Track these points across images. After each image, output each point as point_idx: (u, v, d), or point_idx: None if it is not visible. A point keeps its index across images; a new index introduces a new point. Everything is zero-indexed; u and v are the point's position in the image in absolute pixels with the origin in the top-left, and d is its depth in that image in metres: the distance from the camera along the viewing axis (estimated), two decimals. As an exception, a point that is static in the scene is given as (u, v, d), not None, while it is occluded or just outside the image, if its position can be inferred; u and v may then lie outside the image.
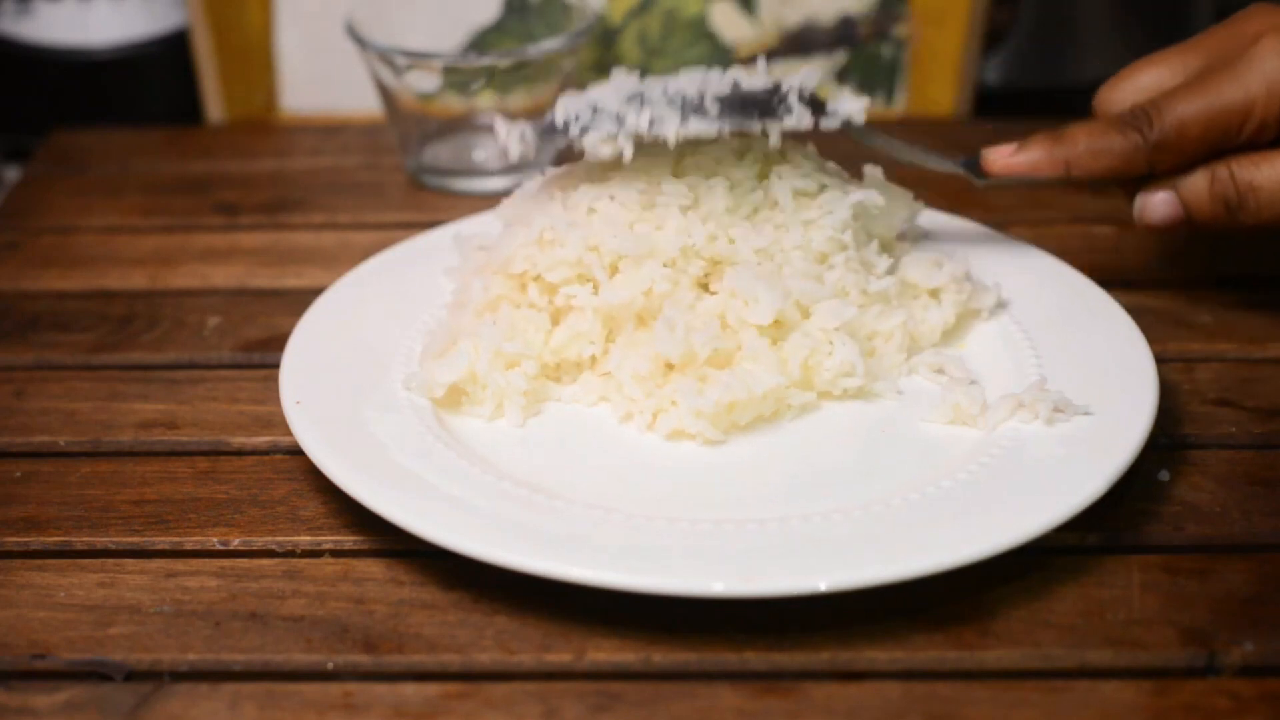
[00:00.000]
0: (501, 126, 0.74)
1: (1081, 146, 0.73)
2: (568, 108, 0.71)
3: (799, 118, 0.72)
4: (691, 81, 0.72)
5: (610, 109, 0.70)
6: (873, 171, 0.78)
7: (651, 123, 0.70)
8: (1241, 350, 0.77)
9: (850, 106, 0.73)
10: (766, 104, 0.71)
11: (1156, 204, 0.74)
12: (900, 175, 0.80)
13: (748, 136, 0.75)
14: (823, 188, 0.73)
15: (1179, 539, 0.64)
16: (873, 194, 0.75)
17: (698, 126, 0.70)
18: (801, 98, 0.72)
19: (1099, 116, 0.76)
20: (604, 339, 0.71)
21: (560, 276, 0.70)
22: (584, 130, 0.71)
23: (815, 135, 0.75)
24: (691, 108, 0.70)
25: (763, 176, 0.73)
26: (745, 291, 0.69)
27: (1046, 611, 0.60)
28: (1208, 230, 0.74)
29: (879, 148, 0.76)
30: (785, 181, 0.72)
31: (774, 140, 0.73)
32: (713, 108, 0.71)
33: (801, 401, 0.69)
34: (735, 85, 0.71)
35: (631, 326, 0.70)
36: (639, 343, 0.69)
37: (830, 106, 0.73)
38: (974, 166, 0.76)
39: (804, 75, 0.72)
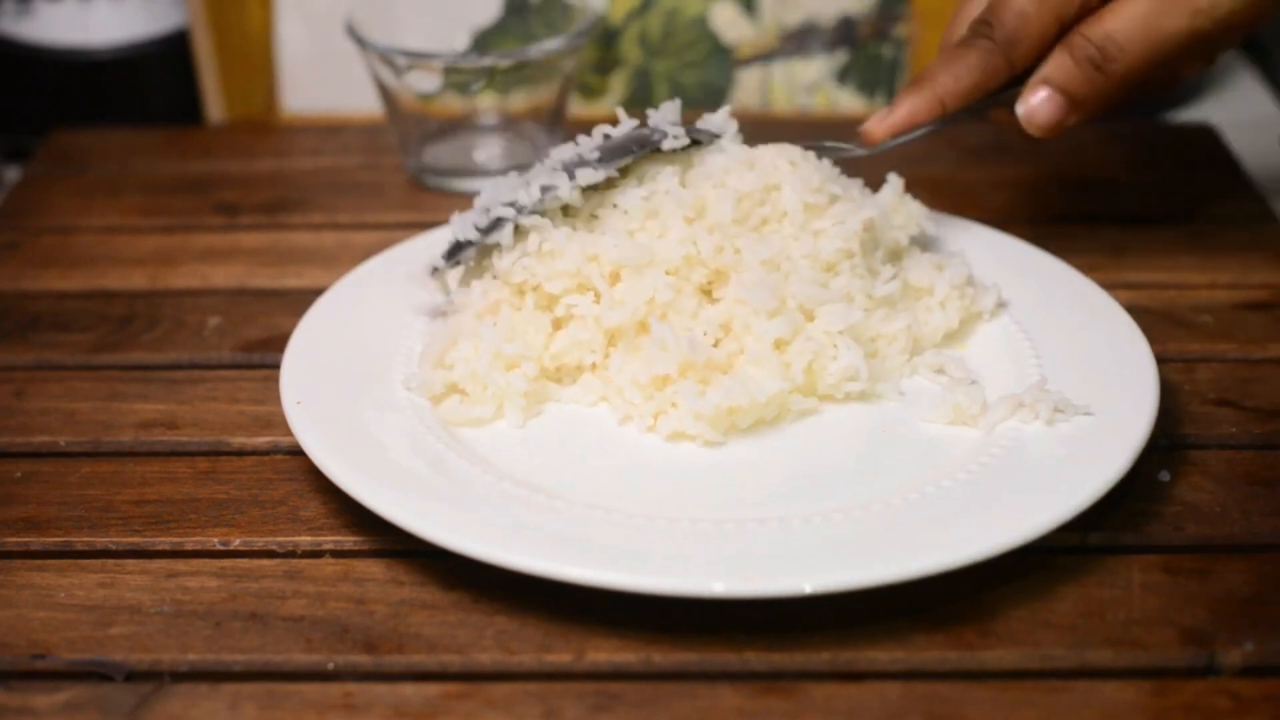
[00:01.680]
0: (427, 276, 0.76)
1: (942, 76, 0.75)
2: (460, 227, 0.73)
3: (675, 139, 0.73)
4: (563, 149, 0.74)
5: (502, 202, 0.72)
6: (894, 181, 0.78)
7: (544, 190, 0.71)
8: (1241, 350, 0.77)
9: (717, 120, 0.75)
10: (643, 139, 0.73)
11: (1035, 102, 0.74)
12: (905, 179, 0.80)
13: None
14: (833, 199, 0.73)
15: (1179, 539, 0.64)
16: (884, 207, 0.74)
17: (589, 176, 0.71)
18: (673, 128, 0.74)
19: (944, 49, 0.77)
20: (605, 346, 0.70)
21: (560, 287, 0.70)
22: (482, 237, 0.72)
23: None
24: (574, 164, 0.72)
25: (771, 188, 0.73)
26: (753, 301, 0.69)
27: (1047, 611, 0.60)
28: (1094, 110, 0.74)
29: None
30: (795, 194, 0.72)
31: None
32: (593, 156, 0.72)
33: (803, 407, 0.69)
34: (605, 136, 0.74)
35: (632, 332, 0.70)
36: (639, 347, 0.69)
37: (700, 126, 0.75)
38: (854, 145, 0.77)
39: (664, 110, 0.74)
